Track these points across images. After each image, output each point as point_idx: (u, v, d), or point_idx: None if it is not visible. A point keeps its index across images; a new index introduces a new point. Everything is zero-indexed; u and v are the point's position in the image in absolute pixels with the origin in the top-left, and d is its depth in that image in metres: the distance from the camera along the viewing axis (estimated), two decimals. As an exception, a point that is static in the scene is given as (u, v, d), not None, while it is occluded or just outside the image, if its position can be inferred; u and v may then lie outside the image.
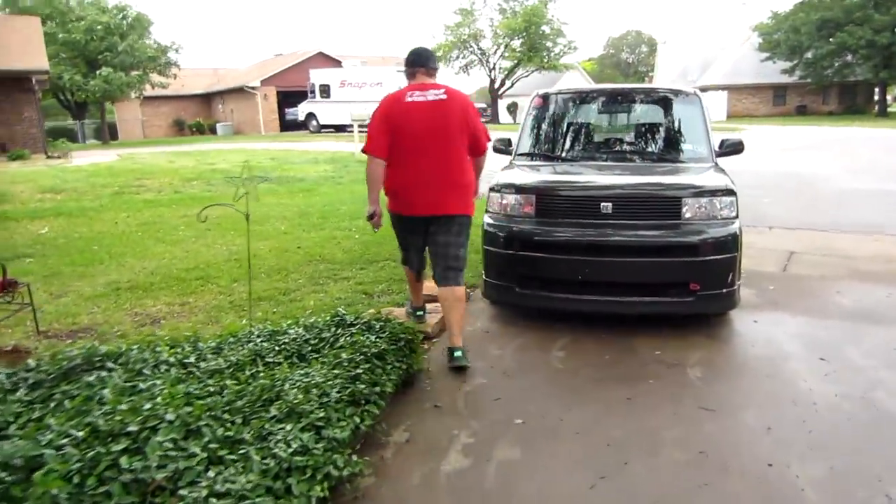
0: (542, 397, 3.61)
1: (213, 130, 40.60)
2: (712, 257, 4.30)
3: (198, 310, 5.26)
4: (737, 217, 4.46)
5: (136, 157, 20.52)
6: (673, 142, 5.42)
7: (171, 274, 6.29)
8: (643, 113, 5.74)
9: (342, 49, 39.66)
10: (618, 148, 5.52)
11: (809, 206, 9.89)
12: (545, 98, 5.90)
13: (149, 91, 34.40)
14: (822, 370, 3.83)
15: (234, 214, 9.88)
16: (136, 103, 39.56)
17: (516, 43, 38.58)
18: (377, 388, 3.16)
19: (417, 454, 3.07)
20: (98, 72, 29.28)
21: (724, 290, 4.37)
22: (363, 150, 3.97)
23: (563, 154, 5.46)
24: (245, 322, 4.83)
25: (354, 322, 3.89)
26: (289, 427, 2.63)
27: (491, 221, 4.77)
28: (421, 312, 4.69)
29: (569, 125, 5.75)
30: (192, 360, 3.40)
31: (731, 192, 4.45)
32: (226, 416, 2.76)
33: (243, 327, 4.12)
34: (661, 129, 5.55)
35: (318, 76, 32.82)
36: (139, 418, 2.54)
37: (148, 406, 2.67)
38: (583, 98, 5.86)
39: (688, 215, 4.38)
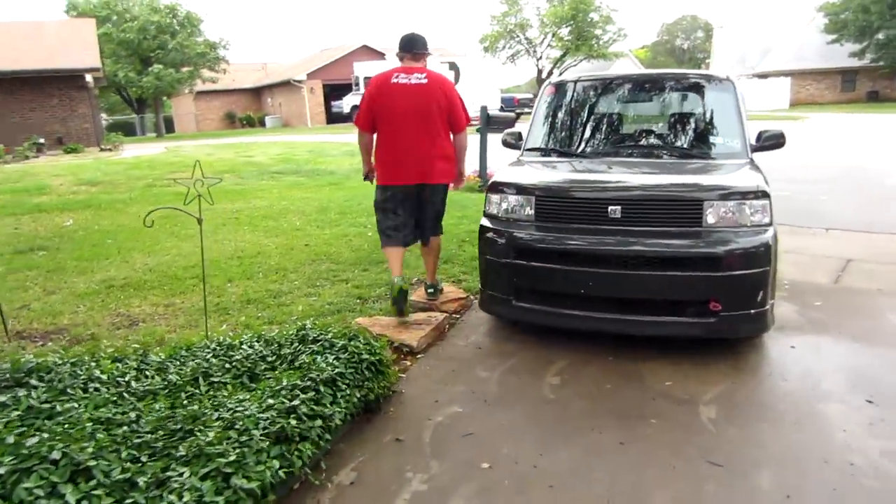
0: (521, 435, 3.10)
1: (262, 123, 41.12)
2: (739, 272, 3.68)
3: (181, 312, 4.94)
4: (770, 224, 3.83)
5: (181, 149, 20.75)
6: (702, 135, 4.78)
7: (168, 271, 6.03)
8: (668, 102, 5.10)
9: (386, 42, 39.30)
10: (638, 142, 4.90)
11: (874, 205, 8.96)
12: (559, 87, 5.35)
13: (200, 86, 35.05)
14: (867, 416, 3.18)
15: (254, 209, 9.71)
16: (190, 98, 40.41)
17: (564, 31, 37.51)
18: (318, 423, 2.71)
19: (359, 502, 2.62)
20: (150, 69, 29.89)
21: (753, 311, 3.75)
22: (354, 122, 4.66)
23: (577, 149, 4.90)
24: (227, 329, 4.48)
25: (318, 337, 3.46)
26: (189, 474, 2.21)
27: (487, 225, 4.27)
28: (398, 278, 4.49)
29: (584, 117, 5.16)
30: (127, 378, 3.03)
31: (763, 195, 3.81)
32: (132, 451, 2.37)
33: (201, 339, 3.75)
34: (689, 121, 4.91)
35: (361, 69, 32.66)
36: (11, 458, 2.17)
37: (35, 440, 2.30)
38: (601, 86, 5.26)
39: (711, 221, 3.77)
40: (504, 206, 4.23)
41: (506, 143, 5.16)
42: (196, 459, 2.29)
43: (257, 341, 3.49)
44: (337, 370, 3.05)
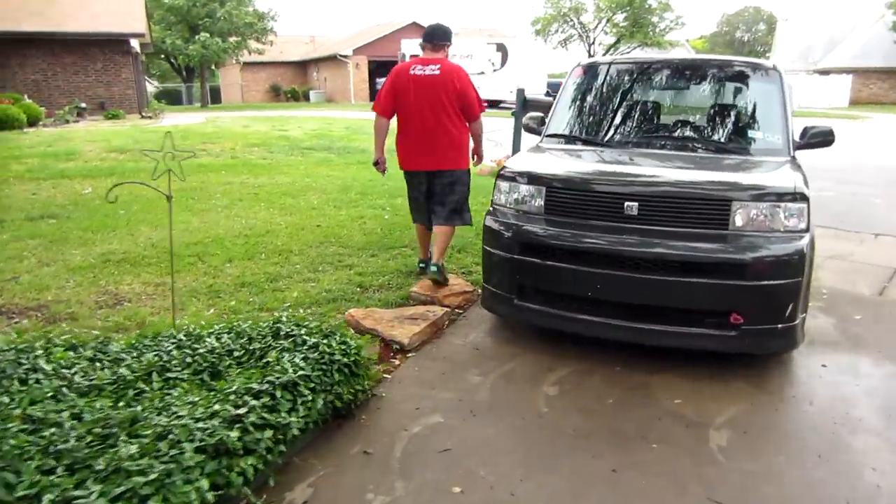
0: (503, 455, 2.78)
1: (306, 97, 41.10)
2: (766, 282, 3.27)
3: (171, 293, 4.72)
4: (807, 230, 3.39)
5: (219, 119, 20.74)
6: (740, 128, 4.32)
7: (154, 252, 5.82)
8: (707, 91, 4.63)
9: (437, 19, 38.70)
10: (670, 133, 4.45)
11: (932, 211, 8.28)
12: (589, 69, 4.93)
13: (247, 57, 35.06)
14: (902, 453, 2.77)
15: (275, 185, 9.52)
16: (237, 69, 40.58)
17: (619, 17, 36.34)
18: (268, 433, 2.43)
19: (307, 525, 2.34)
20: (197, 37, 29.98)
21: (780, 326, 3.34)
22: (372, 108, 4.81)
23: (602, 138, 4.48)
24: (214, 315, 4.25)
25: (291, 333, 3.18)
26: (98, 494, 1.95)
27: (493, 216, 3.92)
28: (423, 265, 4.96)
29: (613, 103, 4.74)
30: (74, 370, 2.80)
31: (801, 198, 3.37)
32: (51, 460, 2.13)
33: (172, 326, 3.51)
34: (728, 112, 4.44)
35: (408, 46, 32.15)
36: None
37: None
38: (635, 71, 4.81)
39: (739, 224, 3.35)
40: (514, 195, 3.88)
41: (528, 128, 4.78)
42: (114, 475, 2.03)
43: (227, 333, 3.22)
44: (301, 372, 2.76)
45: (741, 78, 4.56)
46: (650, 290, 3.38)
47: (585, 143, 4.43)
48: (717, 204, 3.37)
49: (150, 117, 22.24)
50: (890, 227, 7.23)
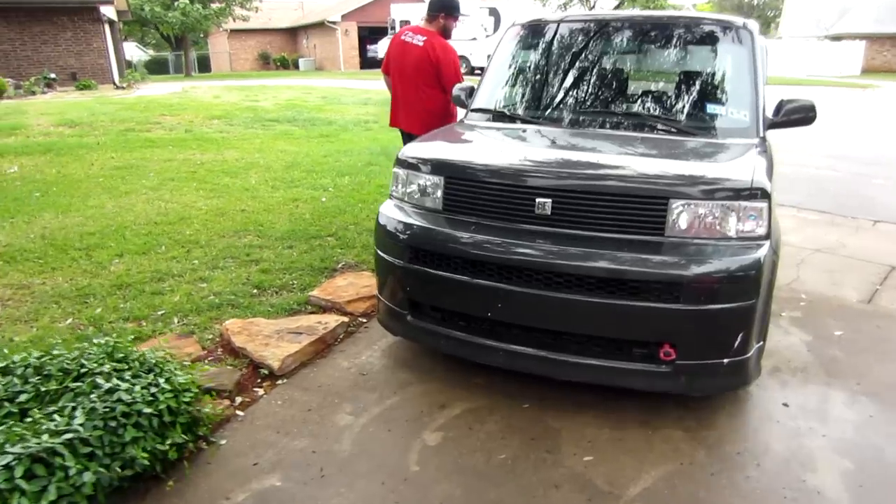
0: (335, 545, 2.08)
1: (296, 65, 39.96)
2: (708, 306, 2.54)
3: (32, 298, 4.03)
4: (767, 237, 2.65)
5: (195, 90, 19.83)
6: (700, 102, 3.52)
7: (61, 239, 5.12)
8: (666, 56, 3.83)
9: (428, -18, 37.29)
10: (617, 108, 3.66)
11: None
12: (528, 29, 4.13)
13: (235, 25, 33.89)
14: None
15: (220, 162, 8.76)
16: (225, 36, 39.40)
17: (621, -22, 34.98)
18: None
19: None
20: (175, 3, 28.85)
21: (726, 361, 2.62)
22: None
23: (534, 114, 3.71)
24: (69, 326, 3.55)
25: (93, 369, 2.46)
26: None
27: (385, 212, 3.18)
28: None
29: (554, 71, 3.95)
30: None
31: (761, 194, 2.62)
32: None
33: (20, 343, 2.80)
34: (689, 82, 3.64)
35: (398, 11, 30.97)
36: None
37: None
38: (582, 32, 3.99)
39: (678, 228, 2.62)
40: (411, 186, 3.14)
41: (456, 100, 4.00)
42: None
43: (25, 367, 2.51)
44: (70, 434, 2.05)
45: (707, 39, 3.75)
46: (560, 312, 2.65)
47: (512, 119, 3.66)
48: (650, 202, 2.63)
49: (123, 88, 21.37)
50: (892, 212, 6.47)
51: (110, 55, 22.50)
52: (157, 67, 42.67)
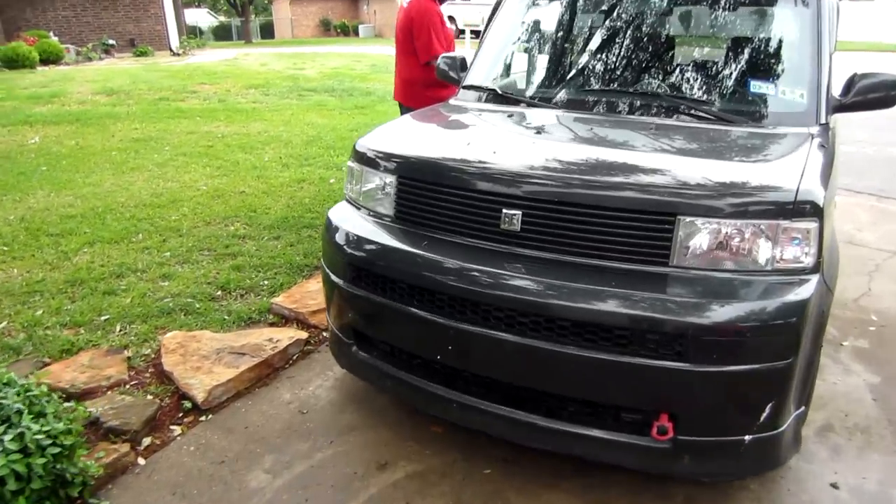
0: None
1: (356, 32, 39.45)
2: (724, 367, 1.84)
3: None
4: (816, 269, 1.92)
5: (247, 57, 19.61)
6: (742, 80, 2.72)
7: (41, 222, 4.77)
8: (706, 22, 3.03)
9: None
10: (641, 88, 2.88)
11: None
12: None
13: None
14: None
15: (241, 135, 8.33)
16: (287, 2, 39.19)
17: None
18: None
19: None
20: (238, -33, 28.65)
21: (748, 439, 1.92)
22: None
23: (531, 93, 3.01)
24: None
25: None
26: None
27: (333, 216, 2.59)
28: None
29: (563, 41, 3.23)
30: None
31: (809, 210, 1.89)
32: None
33: None
34: (730, 55, 2.84)
35: (459, -25, 29.87)
36: None
37: None
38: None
39: (690, 254, 1.92)
40: (367, 185, 2.53)
41: (443, 75, 3.31)
42: None
43: None
44: None
45: (757, 4, 2.93)
46: (522, 362, 2.01)
47: (506, 100, 2.97)
48: (650, 219, 1.93)
49: (178, 54, 21.36)
50: None
51: (168, 21, 22.55)
52: (223, 34, 43.03)
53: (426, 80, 4.17)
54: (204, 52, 23.88)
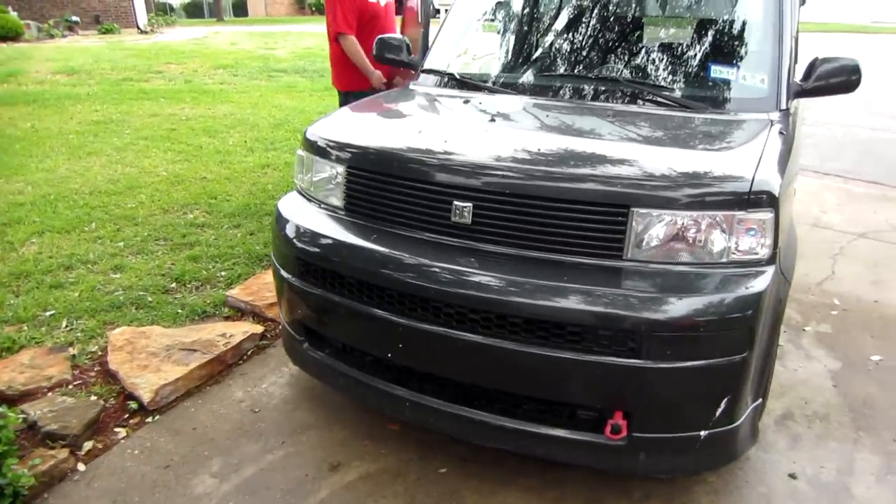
0: None
1: (330, 10, 38.68)
2: (678, 363, 1.79)
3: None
4: (771, 260, 1.87)
5: (217, 35, 19.13)
6: (702, 63, 2.65)
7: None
8: (658, 8, 2.95)
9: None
10: (597, 70, 2.79)
11: None
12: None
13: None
14: None
15: (206, 118, 8.12)
16: (259, -22, 38.31)
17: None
18: None
19: None
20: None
21: (704, 434, 1.88)
22: None
23: (488, 78, 2.91)
24: None
25: None
26: None
27: (283, 207, 2.49)
28: None
29: (528, 22, 3.13)
30: None
31: (765, 200, 1.84)
32: None
33: None
34: (693, 36, 2.77)
35: (433, -50, 29.43)
36: None
37: None
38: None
39: (644, 247, 1.86)
40: (318, 175, 2.42)
41: (381, 59, 3.17)
42: None
43: None
44: None
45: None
46: (473, 360, 1.95)
47: (463, 85, 2.86)
48: (603, 211, 1.87)
49: (146, 32, 20.79)
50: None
51: (134, -2, 21.87)
52: (195, 11, 41.94)
53: (340, 58, 4.00)
54: (173, 30, 23.26)
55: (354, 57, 3.90)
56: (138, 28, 21.63)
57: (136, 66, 11.86)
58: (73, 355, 2.85)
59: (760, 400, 2.05)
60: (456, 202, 1.99)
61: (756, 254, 1.87)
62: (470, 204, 1.97)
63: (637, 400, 1.85)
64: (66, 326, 3.12)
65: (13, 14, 17.77)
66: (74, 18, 20.13)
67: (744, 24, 2.67)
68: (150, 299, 3.37)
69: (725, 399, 1.86)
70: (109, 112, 8.26)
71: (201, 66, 12.10)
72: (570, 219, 1.88)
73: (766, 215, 1.85)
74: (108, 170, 5.66)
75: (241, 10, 41.83)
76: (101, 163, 5.89)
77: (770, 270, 1.88)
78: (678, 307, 1.79)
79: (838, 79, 2.49)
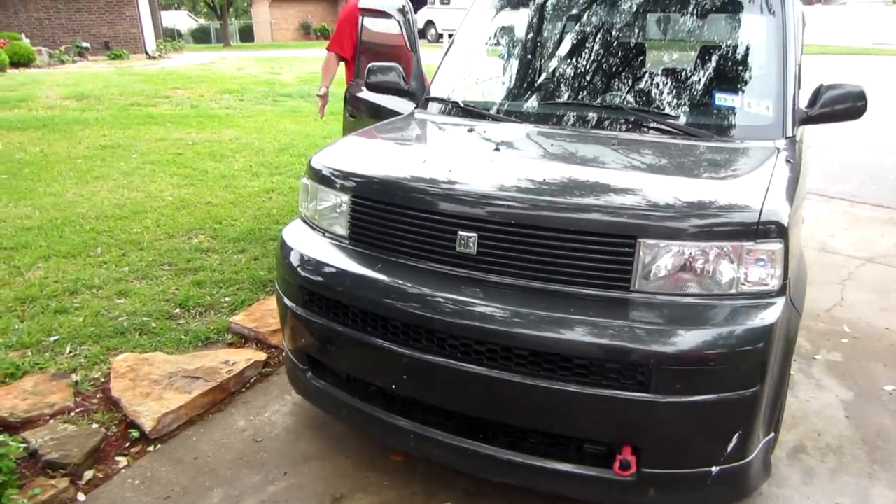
0: None
1: (336, 35, 39.17)
2: (688, 397, 1.75)
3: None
4: (782, 291, 1.84)
5: (223, 60, 19.40)
6: (707, 91, 2.65)
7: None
8: (662, 36, 2.96)
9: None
10: (602, 98, 2.78)
11: None
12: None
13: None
14: None
15: (212, 143, 8.17)
16: (266, 5, 38.89)
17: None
18: None
19: None
20: (213, -31, 28.35)
21: (715, 470, 1.84)
22: None
23: (493, 106, 2.91)
24: None
25: None
26: None
27: (287, 236, 2.48)
28: None
29: (532, 50, 3.14)
30: None
31: (774, 230, 1.82)
32: None
33: None
34: (697, 64, 2.77)
35: (438, -22, 29.81)
36: None
37: None
38: (562, 1, 3.14)
39: (652, 279, 1.84)
40: (323, 204, 2.41)
41: (374, 87, 3.14)
42: None
43: None
44: None
45: (725, 7, 2.86)
46: (478, 393, 1.92)
47: (469, 114, 2.86)
48: (609, 242, 1.85)
49: (154, 58, 21.07)
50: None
51: (143, 24, 22.19)
52: (202, 37, 42.63)
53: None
54: (181, 55, 23.57)
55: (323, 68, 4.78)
56: (147, 53, 21.91)
57: (143, 91, 11.97)
58: (76, 382, 2.83)
59: (773, 434, 2.01)
60: (460, 232, 1.97)
61: (766, 285, 1.84)
62: (475, 234, 1.95)
63: (646, 435, 1.82)
64: (70, 352, 3.11)
65: (26, 41, 18.04)
66: (85, 44, 20.42)
67: (748, 50, 2.67)
68: (153, 325, 3.35)
69: (737, 434, 1.82)
70: (117, 137, 8.32)
71: (208, 91, 12.21)
72: (576, 249, 1.86)
73: (776, 246, 1.83)
74: (115, 194, 5.68)
75: (247, 35, 42.47)
76: (108, 187, 5.92)
77: (780, 302, 1.85)
78: (687, 340, 1.76)
79: (844, 105, 2.48)
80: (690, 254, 1.82)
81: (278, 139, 8.20)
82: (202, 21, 48.52)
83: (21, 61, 16.62)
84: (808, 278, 2.50)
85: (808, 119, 2.52)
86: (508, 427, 1.96)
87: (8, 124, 8.97)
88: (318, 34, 40.16)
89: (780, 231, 1.83)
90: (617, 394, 1.76)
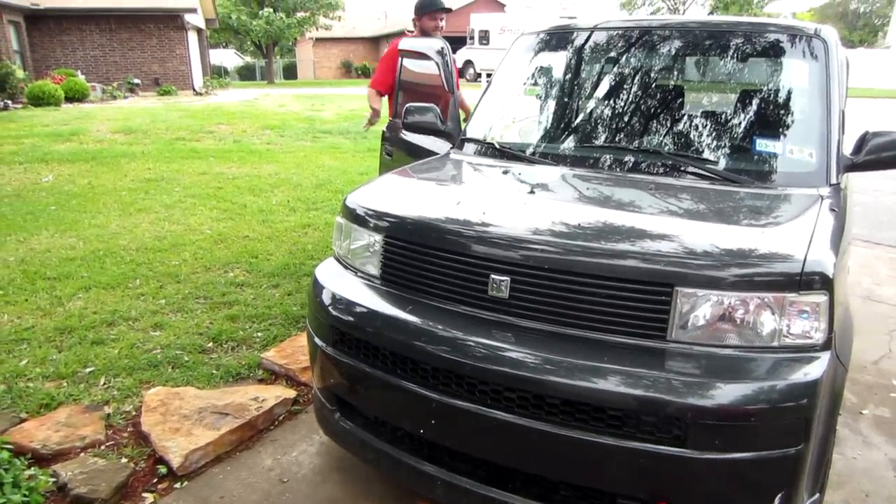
0: None
1: (376, 73, 40.11)
2: (727, 454, 1.68)
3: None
4: (827, 345, 1.76)
5: (266, 97, 19.97)
6: (748, 137, 2.60)
7: (40, 264, 4.73)
8: (714, 73, 2.93)
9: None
10: (640, 143, 2.76)
11: None
12: (535, 41, 3.34)
13: (319, 33, 34.36)
14: None
15: (251, 177, 8.34)
16: (310, 45, 40.10)
17: (714, -15, 32.99)
18: None
19: None
20: (260, 12, 29.43)
21: (755, 533, 1.74)
22: None
23: (535, 149, 2.91)
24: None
25: None
26: None
27: (320, 274, 2.49)
28: None
29: (568, 94, 3.14)
30: None
31: (818, 281, 1.75)
32: None
33: None
34: (737, 110, 2.73)
35: (478, 21, 30.41)
36: None
37: None
38: (601, 44, 3.15)
39: (689, 329, 1.78)
40: (356, 243, 2.42)
41: (411, 127, 3.18)
42: None
43: None
44: None
45: (767, 52, 2.83)
46: (506, 441, 1.87)
47: (508, 156, 2.86)
48: (645, 290, 1.80)
49: (201, 94, 21.81)
50: None
51: (192, 62, 23.06)
52: (248, 74, 44.11)
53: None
54: (227, 91, 24.39)
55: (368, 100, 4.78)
56: (194, 90, 22.71)
57: (189, 126, 12.35)
58: (108, 414, 2.86)
59: (818, 494, 1.91)
60: (493, 276, 1.95)
61: (810, 338, 1.77)
62: (507, 278, 1.93)
63: (682, 492, 1.74)
64: (104, 384, 3.14)
65: (81, 77, 18.87)
66: (136, 81, 21.28)
67: (790, 95, 2.62)
68: (186, 359, 3.38)
69: (779, 495, 1.74)
70: (161, 170, 8.57)
71: (250, 127, 12.55)
72: (610, 296, 1.82)
73: (820, 298, 1.76)
74: (156, 227, 5.82)
75: (290, 73, 43.77)
76: (150, 220, 6.06)
77: (825, 356, 1.77)
78: (726, 393, 1.69)
79: (891, 153, 2.41)
80: (730, 304, 1.77)
81: (316, 175, 8.34)
82: (248, 59, 50.28)
83: (76, 96, 17.36)
84: (854, 328, 2.40)
85: (854, 166, 2.46)
86: (539, 478, 1.90)
87: (60, 157, 9.32)
88: (359, 72, 41.19)
89: (824, 282, 1.77)
90: (652, 448, 1.70)
